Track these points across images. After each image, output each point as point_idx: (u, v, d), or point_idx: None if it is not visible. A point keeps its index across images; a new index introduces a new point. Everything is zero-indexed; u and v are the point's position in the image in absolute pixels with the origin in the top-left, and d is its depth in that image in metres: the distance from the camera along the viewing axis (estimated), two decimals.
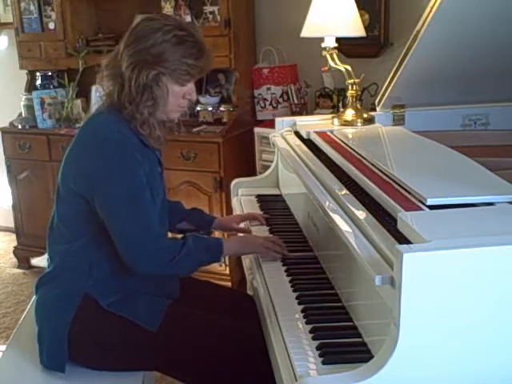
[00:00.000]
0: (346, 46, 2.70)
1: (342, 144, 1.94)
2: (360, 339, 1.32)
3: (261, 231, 1.99)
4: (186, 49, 1.58)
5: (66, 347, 1.60)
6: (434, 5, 1.88)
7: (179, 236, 1.99)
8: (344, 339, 1.32)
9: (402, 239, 1.20)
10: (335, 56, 2.33)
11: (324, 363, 1.23)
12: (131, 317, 1.60)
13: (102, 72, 1.67)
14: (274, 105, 3.29)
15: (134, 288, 1.65)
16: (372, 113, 2.36)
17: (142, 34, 1.59)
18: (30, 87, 3.76)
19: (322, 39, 2.33)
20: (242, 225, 2.05)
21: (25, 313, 1.92)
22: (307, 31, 2.37)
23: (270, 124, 2.77)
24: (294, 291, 1.57)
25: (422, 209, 1.30)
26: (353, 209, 1.43)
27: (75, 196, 1.62)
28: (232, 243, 1.77)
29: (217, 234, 2.11)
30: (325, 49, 2.32)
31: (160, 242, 1.61)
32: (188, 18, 3.21)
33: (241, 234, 2.00)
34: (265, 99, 3.30)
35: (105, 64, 1.67)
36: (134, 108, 1.60)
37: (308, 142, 2.12)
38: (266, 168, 2.71)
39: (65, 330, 1.60)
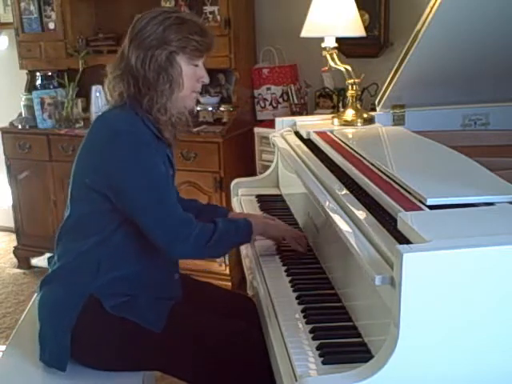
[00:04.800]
0: (345, 46, 2.70)
1: (342, 144, 1.94)
2: (360, 339, 1.32)
3: None
4: (190, 27, 1.62)
5: (68, 346, 1.60)
6: (434, 5, 1.87)
7: None
8: (344, 339, 1.32)
9: (402, 239, 1.20)
10: (335, 56, 2.33)
11: (324, 363, 1.23)
12: (135, 318, 1.60)
13: (108, 77, 1.67)
14: (274, 105, 3.30)
15: (138, 292, 1.65)
16: (372, 113, 2.36)
17: (144, 24, 1.62)
18: (30, 87, 3.76)
19: (321, 39, 2.33)
20: None
21: (25, 313, 1.92)
22: (307, 31, 2.37)
23: (270, 124, 2.77)
24: (294, 291, 1.57)
25: (422, 209, 1.30)
26: (353, 209, 1.43)
27: (90, 193, 1.62)
28: (259, 223, 1.78)
29: None
30: (325, 49, 2.32)
31: (192, 228, 1.62)
32: None
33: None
34: (265, 99, 3.30)
35: (111, 68, 1.67)
36: (153, 93, 1.61)
37: (308, 142, 2.12)
38: (266, 168, 2.70)
39: (68, 330, 1.60)
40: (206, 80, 1.72)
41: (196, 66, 1.67)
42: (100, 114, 1.72)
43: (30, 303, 1.93)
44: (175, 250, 1.62)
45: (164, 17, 1.62)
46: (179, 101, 1.66)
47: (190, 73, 1.66)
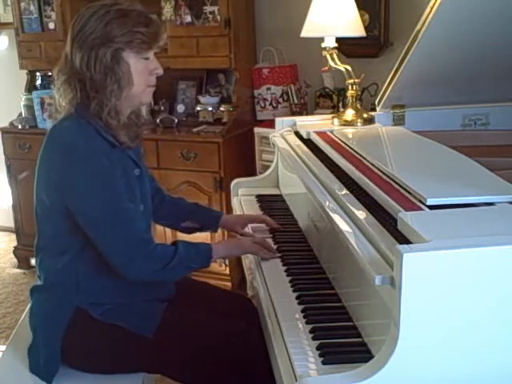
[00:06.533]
0: (345, 46, 2.70)
1: (342, 144, 1.94)
2: (360, 339, 1.32)
3: (262, 232, 1.98)
4: (133, 19, 1.53)
5: (58, 357, 1.58)
6: (434, 5, 1.88)
7: (184, 235, 1.98)
8: (344, 339, 1.32)
9: (402, 239, 1.20)
10: (335, 56, 2.33)
11: (324, 363, 1.23)
12: (125, 324, 1.58)
13: (55, 83, 1.59)
14: (274, 105, 3.29)
15: (126, 297, 1.63)
16: (372, 113, 2.36)
17: (84, 21, 1.55)
18: (30, 87, 3.76)
19: (321, 39, 2.33)
20: (246, 229, 1.99)
21: (25, 313, 1.91)
22: (307, 31, 2.37)
23: (270, 124, 2.77)
24: (294, 291, 1.57)
25: (422, 209, 1.30)
26: (353, 209, 1.43)
27: (51, 212, 1.58)
28: (221, 246, 1.74)
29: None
30: (325, 49, 2.32)
31: (149, 250, 1.56)
32: (188, 18, 3.21)
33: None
34: (265, 99, 3.30)
35: (56, 73, 1.59)
36: (101, 95, 1.52)
37: (308, 142, 2.12)
38: (266, 168, 2.71)
39: (57, 342, 1.58)
40: (160, 71, 1.61)
41: (146, 59, 1.57)
42: (53, 126, 1.63)
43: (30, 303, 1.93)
44: (131, 272, 1.55)
45: (104, 11, 1.53)
46: (132, 98, 1.58)
47: (141, 67, 1.56)
